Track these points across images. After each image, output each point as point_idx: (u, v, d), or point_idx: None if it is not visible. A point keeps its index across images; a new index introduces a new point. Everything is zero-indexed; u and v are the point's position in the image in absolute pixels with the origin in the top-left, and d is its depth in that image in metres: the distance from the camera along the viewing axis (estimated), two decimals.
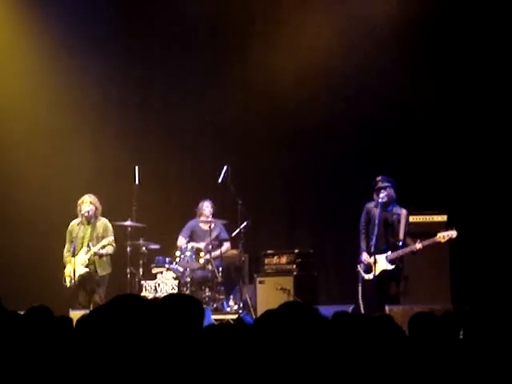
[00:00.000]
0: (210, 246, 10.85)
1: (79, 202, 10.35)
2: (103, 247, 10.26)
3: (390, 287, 9.64)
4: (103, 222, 10.38)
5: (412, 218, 10.31)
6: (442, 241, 9.52)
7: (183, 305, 3.45)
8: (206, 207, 11.08)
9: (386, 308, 9.05)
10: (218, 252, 10.93)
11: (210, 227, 10.91)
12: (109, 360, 3.18)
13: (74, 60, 11.99)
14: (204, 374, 3.10)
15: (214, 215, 11.05)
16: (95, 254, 10.20)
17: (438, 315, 4.37)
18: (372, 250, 9.50)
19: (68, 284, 10.26)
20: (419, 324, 3.88)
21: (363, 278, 9.68)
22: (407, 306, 9.00)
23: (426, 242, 9.51)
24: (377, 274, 9.54)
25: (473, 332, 3.93)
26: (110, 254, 10.36)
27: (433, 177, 11.44)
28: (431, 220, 10.56)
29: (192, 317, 3.40)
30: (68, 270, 10.27)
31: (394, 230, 9.70)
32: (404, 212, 9.75)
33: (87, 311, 8.09)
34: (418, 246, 9.48)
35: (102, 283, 10.29)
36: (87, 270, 10.22)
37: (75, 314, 7.74)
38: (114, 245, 10.35)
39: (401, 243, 9.62)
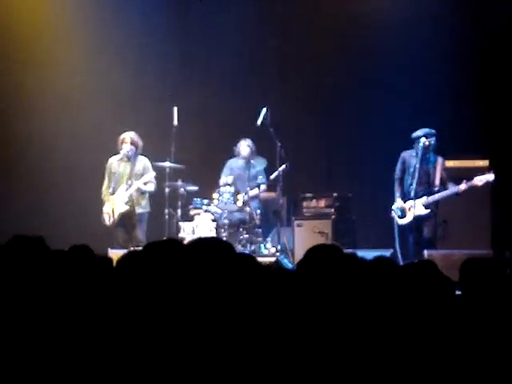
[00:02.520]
0: (248, 188, 10.82)
1: (120, 138, 10.35)
2: (145, 184, 10.29)
3: (427, 231, 9.65)
4: (143, 160, 10.39)
5: (453, 163, 10.30)
6: (479, 184, 9.44)
7: (216, 248, 3.41)
8: (247, 146, 11.03)
9: (425, 253, 9.02)
10: (255, 193, 10.91)
11: (252, 166, 10.90)
12: (147, 300, 3.18)
13: (112, 7, 11.98)
14: (242, 316, 3.08)
15: (255, 154, 11.01)
16: (138, 189, 10.24)
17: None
18: (411, 195, 9.49)
19: (108, 222, 10.33)
20: (473, 270, 3.76)
21: (398, 223, 9.69)
22: (447, 252, 8.95)
23: (469, 184, 9.44)
24: (412, 218, 9.53)
25: None
26: (151, 191, 10.39)
27: (475, 123, 11.28)
28: (473, 165, 10.45)
29: (226, 260, 3.37)
30: (107, 208, 10.33)
31: (430, 178, 9.69)
32: (440, 160, 9.75)
33: (125, 250, 8.13)
34: (463, 186, 9.43)
35: (141, 221, 10.34)
36: (127, 207, 10.27)
37: (114, 254, 7.80)
38: (155, 182, 10.38)
39: (437, 189, 9.61)
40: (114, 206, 10.26)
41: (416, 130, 9.74)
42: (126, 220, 10.31)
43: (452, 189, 9.55)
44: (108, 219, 10.32)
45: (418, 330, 3.26)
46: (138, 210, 10.34)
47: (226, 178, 11.01)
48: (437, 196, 9.62)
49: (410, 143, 9.80)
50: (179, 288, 3.10)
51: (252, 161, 10.98)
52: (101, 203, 10.44)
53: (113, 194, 10.29)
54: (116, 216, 10.25)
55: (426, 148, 9.60)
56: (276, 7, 12.15)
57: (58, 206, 11.81)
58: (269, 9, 12.19)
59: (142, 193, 10.34)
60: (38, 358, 3.10)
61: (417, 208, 9.57)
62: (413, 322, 3.27)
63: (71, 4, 12.12)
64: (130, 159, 10.34)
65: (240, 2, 12.28)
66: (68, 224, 11.44)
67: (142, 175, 10.32)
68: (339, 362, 2.99)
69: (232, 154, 11.22)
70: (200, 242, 3.36)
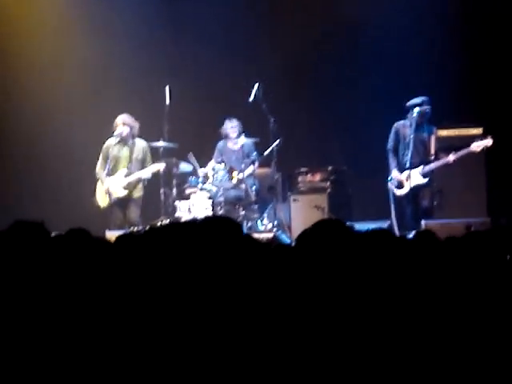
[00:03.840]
0: (243, 165, 10.79)
1: (114, 122, 10.33)
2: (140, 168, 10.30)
3: (424, 200, 9.68)
4: (142, 146, 10.36)
5: (447, 132, 10.30)
6: (477, 150, 9.46)
7: (222, 227, 3.40)
8: (231, 128, 10.99)
9: (422, 223, 9.03)
10: (250, 170, 10.88)
11: (240, 146, 10.86)
12: (149, 283, 3.17)
13: None
14: (242, 295, 3.08)
15: (242, 133, 10.95)
16: (139, 179, 10.25)
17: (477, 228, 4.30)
18: (407, 165, 9.49)
19: (101, 203, 10.30)
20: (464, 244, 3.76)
21: (395, 194, 9.69)
22: (444, 221, 8.97)
23: (461, 153, 9.45)
24: (409, 189, 9.53)
25: None
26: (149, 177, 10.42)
27: (468, 90, 11.26)
28: (467, 133, 10.41)
29: (231, 239, 3.36)
30: (101, 189, 10.30)
31: (425, 147, 9.71)
32: (434, 129, 9.76)
33: (122, 231, 8.13)
34: (452, 157, 9.45)
35: (138, 204, 10.36)
36: (125, 192, 10.27)
37: (112, 235, 7.79)
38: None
39: (432, 157, 9.62)
40: (110, 189, 10.24)
41: (409, 99, 9.71)
42: (124, 203, 10.32)
43: (443, 159, 9.56)
44: (102, 200, 10.30)
45: (420, 301, 3.26)
46: (135, 195, 10.35)
47: (215, 163, 10.95)
48: (433, 165, 9.63)
49: (403, 114, 9.79)
50: (182, 271, 3.09)
51: (240, 139, 10.90)
52: (94, 185, 10.43)
53: (108, 175, 10.27)
54: (112, 199, 10.24)
55: (420, 117, 9.59)
56: None
57: (49, 188, 11.80)
58: None
59: (140, 180, 10.36)
60: (38, 344, 3.10)
61: (414, 178, 9.57)
62: (416, 293, 3.27)
63: None
64: (127, 141, 10.31)
65: None
66: (61, 207, 11.41)
67: (143, 160, 10.32)
68: (344, 338, 2.99)
69: (220, 137, 11.19)
70: (209, 221, 3.34)
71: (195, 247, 3.14)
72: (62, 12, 12.00)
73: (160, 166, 10.31)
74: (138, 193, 10.38)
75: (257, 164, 10.98)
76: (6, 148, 11.98)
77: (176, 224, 3.34)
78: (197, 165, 10.80)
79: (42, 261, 3.40)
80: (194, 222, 3.47)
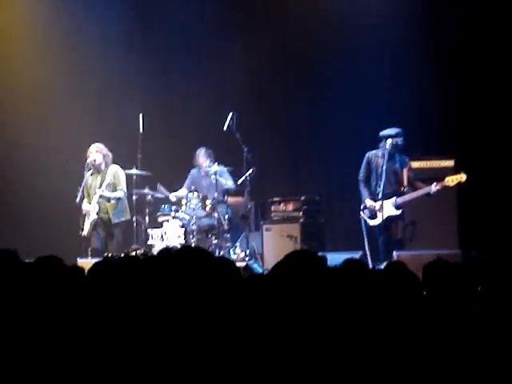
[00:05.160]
0: (215, 193, 10.80)
1: (87, 152, 10.31)
2: (109, 190, 10.23)
3: (396, 232, 9.69)
4: (114, 169, 10.33)
5: (419, 164, 10.38)
6: (451, 184, 9.51)
7: (197, 257, 3.39)
8: (201, 157, 11.03)
9: (394, 254, 9.05)
10: (223, 199, 10.89)
11: (212, 175, 10.87)
12: (122, 311, 3.16)
13: (76, 13, 11.93)
14: (215, 324, 3.07)
15: (215, 161, 10.96)
16: (101, 196, 10.18)
17: (449, 261, 4.32)
18: (380, 196, 9.52)
19: (84, 232, 10.24)
20: (435, 273, 3.80)
21: (368, 224, 9.71)
22: (415, 252, 9.00)
23: (439, 186, 9.49)
24: (381, 219, 9.55)
25: (492, 284, 3.83)
26: (118, 198, 10.31)
27: (439, 122, 11.36)
28: (438, 165, 10.51)
29: (206, 270, 3.35)
30: (84, 218, 10.30)
31: (398, 177, 9.75)
32: (407, 159, 9.83)
33: (94, 260, 8.08)
34: (435, 187, 9.47)
35: (116, 230, 10.28)
36: (96, 216, 10.20)
37: (84, 263, 7.74)
38: (124, 190, 10.32)
39: (405, 189, 9.66)
40: (89, 216, 10.23)
41: (381, 130, 9.78)
42: (102, 229, 10.26)
43: (424, 189, 9.59)
44: (85, 228, 10.27)
45: (390, 331, 3.28)
46: (112, 219, 10.28)
47: (186, 191, 10.96)
48: (407, 196, 9.67)
49: (375, 143, 9.84)
50: (157, 297, 3.08)
51: (212, 167, 10.91)
52: (68, 213, 10.39)
53: (80, 202, 10.21)
54: (87, 225, 10.21)
55: (393, 148, 9.64)
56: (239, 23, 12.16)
57: (22, 215, 11.73)
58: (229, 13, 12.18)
59: (107, 200, 10.27)
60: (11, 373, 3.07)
61: (386, 209, 9.60)
62: (384, 323, 3.29)
63: (38, 11, 12.03)
64: (100, 169, 10.29)
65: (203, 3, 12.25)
66: (32, 234, 11.34)
67: (115, 184, 10.28)
68: (315, 367, 2.99)
69: (193, 165, 11.21)
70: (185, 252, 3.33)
71: (170, 277, 3.13)
72: (38, 41, 11.99)
73: (118, 182, 10.26)
74: (116, 218, 10.26)
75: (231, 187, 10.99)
76: None
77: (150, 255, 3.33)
78: (167, 193, 10.83)
79: (13, 288, 3.37)
80: (167, 252, 3.46)
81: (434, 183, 9.51)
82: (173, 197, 10.88)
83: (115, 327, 3.11)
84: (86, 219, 10.26)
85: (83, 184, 10.22)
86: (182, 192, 11.00)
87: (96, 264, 3.50)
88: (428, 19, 11.54)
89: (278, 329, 3.06)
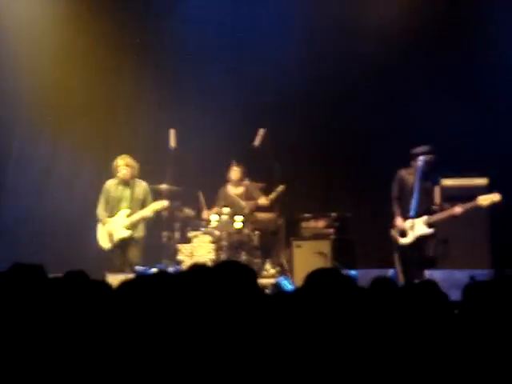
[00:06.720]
0: (246, 210, 10.77)
1: (114, 163, 10.33)
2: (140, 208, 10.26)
3: (428, 250, 9.58)
4: (143, 187, 10.34)
5: (452, 182, 10.28)
6: (484, 204, 9.37)
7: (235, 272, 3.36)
8: (233, 172, 11.07)
9: (426, 273, 8.95)
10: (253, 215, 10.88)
11: (243, 190, 10.86)
12: (150, 327, 3.13)
13: (108, 23, 11.97)
14: (245, 342, 3.04)
15: (246, 177, 10.96)
16: (142, 218, 10.20)
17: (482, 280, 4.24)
18: (411, 214, 9.44)
19: (105, 245, 10.27)
20: (476, 294, 3.71)
21: (399, 242, 9.63)
22: (447, 271, 8.89)
23: (467, 206, 9.37)
24: (413, 238, 9.47)
25: None
26: (151, 218, 10.36)
27: (473, 141, 11.26)
28: (471, 183, 10.40)
29: (243, 285, 3.33)
30: (105, 231, 10.27)
31: (429, 196, 9.65)
32: (439, 178, 9.78)
33: (124, 275, 8.08)
34: (458, 209, 9.38)
35: (139, 245, 10.31)
36: (128, 232, 10.22)
37: (113, 278, 7.74)
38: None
39: (437, 207, 9.58)
40: (112, 230, 10.22)
41: (412, 147, 9.70)
42: (126, 245, 10.27)
43: (448, 211, 9.50)
44: (104, 242, 10.27)
45: (420, 351, 3.22)
46: (136, 234, 10.30)
47: (218, 208, 10.96)
48: (437, 216, 9.56)
49: (407, 161, 9.76)
50: (183, 316, 3.05)
51: (243, 183, 10.94)
52: (94, 226, 10.39)
53: (109, 217, 10.25)
54: (115, 240, 10.22)
55: (425, 165, 9.56)
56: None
57: (50, 229, 11.76)
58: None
59: (145, 219, 10.33)
60: None
61: (418, 227, 9.51)
62: (415, 342, 3.23)
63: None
64: (128, 182, 10.31)
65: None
66: (60, 248, 11.36)
67: (143, 200, 10.29)
68: None
69: (224, 181, 11.22)
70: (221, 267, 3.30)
71: (203, 295, 3.10)
72: (68, 52, 12.04)
73: (163, 204, 10.27)
74: (138, 233, 10.32)
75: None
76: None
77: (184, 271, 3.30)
78: (204, 204, 10.83)
79: (40, 303, 3.36)
80: (202, 268, 3.43)
81: (459, 204, 9.40)
82: (204, 213, 10.88)
83: (145, 345, 3.08)
84: (109, 232, 10.24)
85: (111, 197, 10.25)
86: (213, 208, 11.00)
87: (129, 280, 3.47)
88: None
89: (301, 347, 3.01)
